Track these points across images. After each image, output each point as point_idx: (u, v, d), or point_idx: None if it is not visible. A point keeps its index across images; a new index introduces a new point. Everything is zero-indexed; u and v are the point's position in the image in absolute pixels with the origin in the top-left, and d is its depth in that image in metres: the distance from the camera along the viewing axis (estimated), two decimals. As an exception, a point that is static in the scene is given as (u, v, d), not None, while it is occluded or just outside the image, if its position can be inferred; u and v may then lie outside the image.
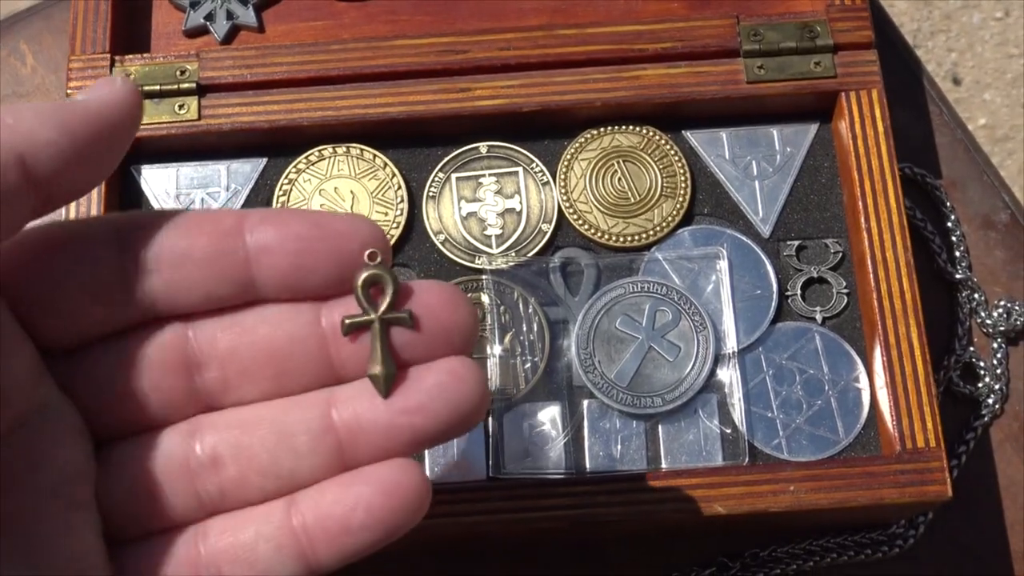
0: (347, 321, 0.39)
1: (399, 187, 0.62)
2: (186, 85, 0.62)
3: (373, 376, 0.39)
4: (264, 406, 0.40)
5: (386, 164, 0.63)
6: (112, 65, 0.62)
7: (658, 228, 0.61)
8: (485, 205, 0.62)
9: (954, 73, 1.73)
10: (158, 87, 0.62)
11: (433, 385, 0.39)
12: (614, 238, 0.61)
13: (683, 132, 0.63)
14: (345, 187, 0.62)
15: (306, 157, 0.63)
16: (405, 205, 0.62)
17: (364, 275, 0.39)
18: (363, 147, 0.63)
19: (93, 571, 0.38)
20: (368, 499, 0.38)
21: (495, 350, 0.59)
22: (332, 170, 0.63)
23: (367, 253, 0.39)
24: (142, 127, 0.61)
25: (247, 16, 0.65)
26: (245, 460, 0.39)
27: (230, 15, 0.65)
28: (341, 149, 0.63)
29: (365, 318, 0.39)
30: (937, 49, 1.74)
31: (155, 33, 0.66)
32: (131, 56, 0.63)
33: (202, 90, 0.62)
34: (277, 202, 0.62)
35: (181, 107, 0.62)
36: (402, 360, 0.39)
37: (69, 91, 0.62)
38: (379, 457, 0.39)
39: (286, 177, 0.63)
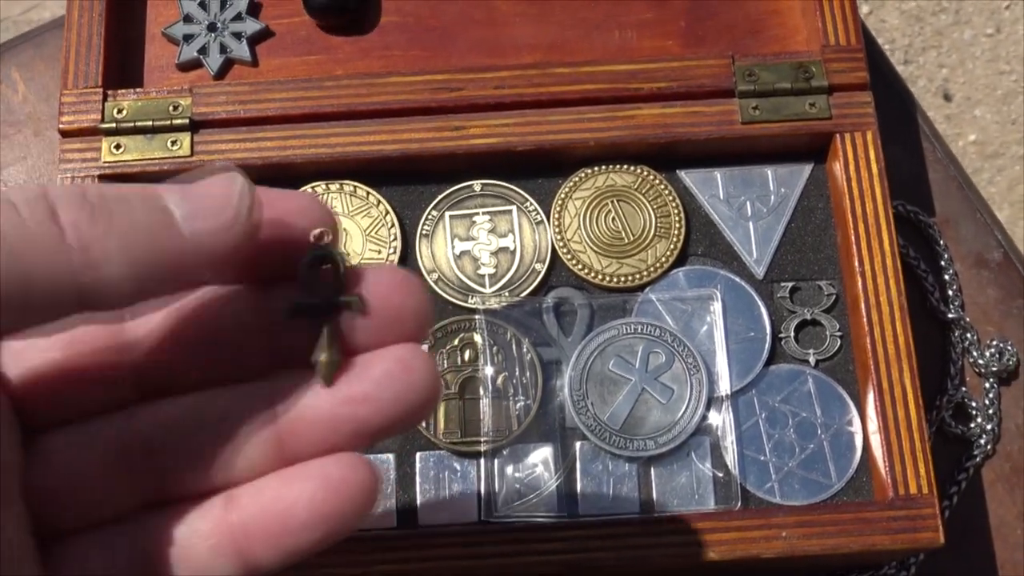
0: (290, 305, 0.36)
1: (392, 224, 0.62)
2: (179, 121, 0.62)
3: (316, 363, 0.36)
4: (202, 395, 0.37)
5: (379, 202, 0.62)
6: (104, 100, 0.62)
7: (652, 268, 0.61)
8: (479, 244, 0.62)
9: (945, 89, 1.73)
10: (151, 123, 0.61)
11: (380, 374, 0.36)
12: (608, 278, 0.61)
13: (677, 172, 0.63)
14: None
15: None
16: (398, 243, 0.62)
17: (310, 256, 0.36)
18: (356, 184, 0.63)
19: (21, 568, 0.35)
20: (310, 495, 0.35)
21: (488, 390, 0.59)
22: None
23: (314, 233, 0.36)
24: (133, 162, 0.61)
25: (241, 50, 0.65)
26: (182, 451, 0.37)
27: (224, 49, 0.65)
28: (334, 186, 0.63)
29: (310, 302, 0.36)
30: (928, 65, 1.74)
31: (148, 66, 0.66)
32: (124, 91, 0.63)
33: (195, 126, 0.62)
34: None
35: (174, 143, 0.62)
36: (349, 347, 0.36)
37: (61, 125, 0.62)
38: (323, 451, 0.36)
39: None
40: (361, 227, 0.62)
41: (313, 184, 0.63)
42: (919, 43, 1.74)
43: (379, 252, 0.62)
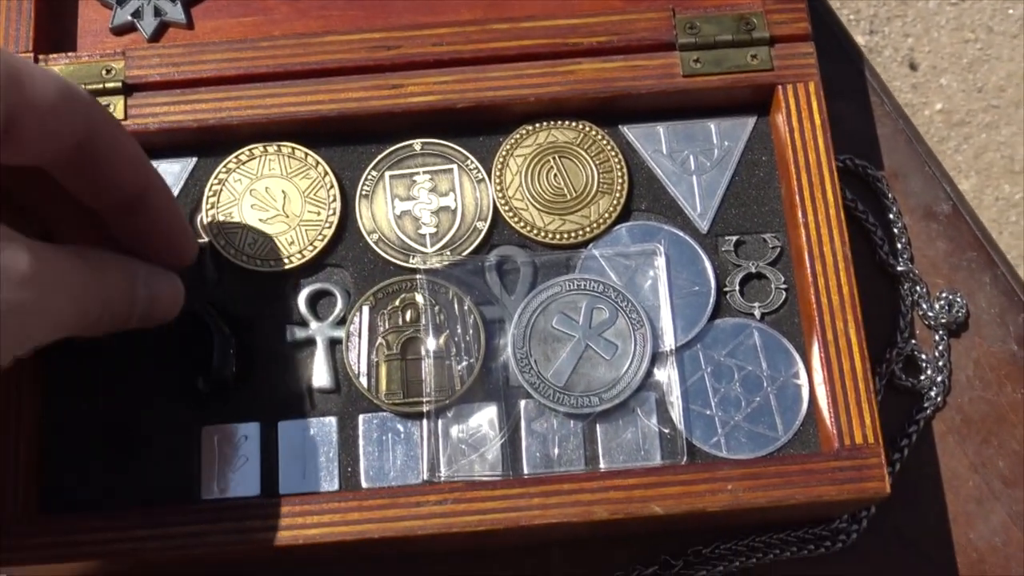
0: None
1: (331, 186, 0.61)
2: (112, 84, 0.61)
3: None
4: None
5: (318, 163, 0.62)
6: (36, 64, 0.61)
7: (595, 225, 0.61)
8: (419, 203, 0.61)
9: (911, 58, 1.73)
10: (83, 87, 0.60)
11: None
12: (550, 235, 0.60)
13: (619, 127, 0.62)
14: (276, 186, 0.61)
15: (236, 156, 0.62)
16: (338, 204, 0.61)
17: None
18: (294, 146, 0.62)
19: None
20: None
21: (430, 351, 0.58)
22: (263, 169, 0.62)
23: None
24: (67, 128, 0.60)
25: (175, 12, 0.64)
26: None
27: (158, 12, 0.64)
28: (272, 148, 0.62)
29: None
30: (894, 35, 1.74)
31: (81, 31, 0.64)
32: (56, 55, 0.62)
33: (128, 89, 0.61)
34: (207, 203, 0.61)
35: (107, 107, 0.60)
36: None
37: (-8, 91, 0.60)
38: None
39: (216, 177, 0.61)
40: (300, 188, 0.61)
41: (250, 147, 0.62)
42: (884, 13, 1.74)
43: (318, 213, 0.61)
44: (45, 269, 0.45)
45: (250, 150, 0.62)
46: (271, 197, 0.61)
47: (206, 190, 0.61)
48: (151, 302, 0.53)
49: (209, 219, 0.61)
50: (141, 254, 0.54)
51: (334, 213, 0.61)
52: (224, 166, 0.61)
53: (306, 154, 0.62)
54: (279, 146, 0.62)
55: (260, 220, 0.61)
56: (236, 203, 0.61)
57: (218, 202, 0.61)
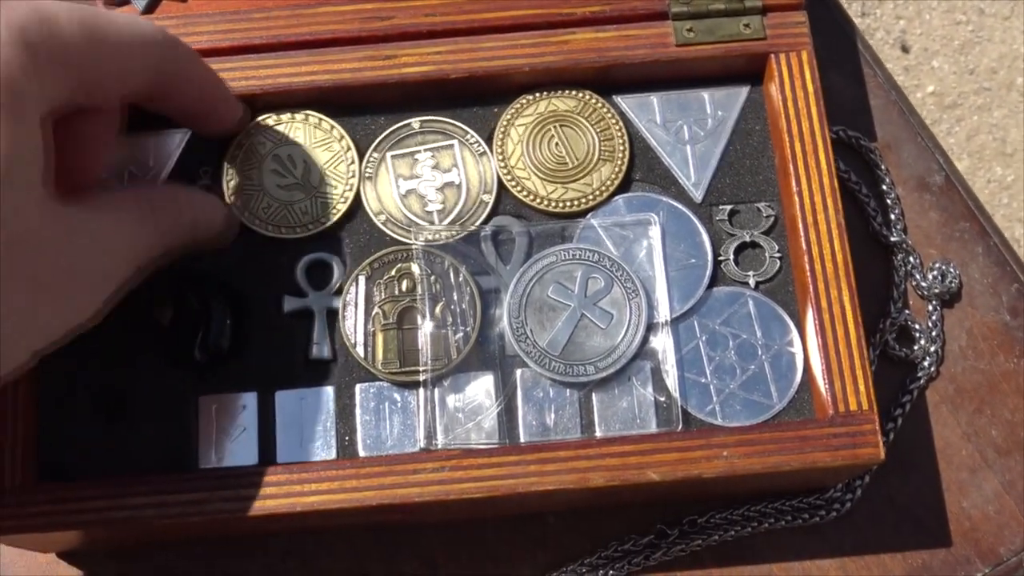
0: None
1: (352, 161, 0.61)
2: (106, 56, 0.61)
3: None
4: None
5: (343, 136, 0.62)
6: (29, 37, 0.61)
7: (597, 192, 0.61)
8: (424, 181, 0.61)
9: (903, 40, 1.73)
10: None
11: None
12: (554, 204, 0.61)
13: (614, 97, 0.62)
14: (299, 155, 0.61)
15: (263, 120, 0.62)
16: (356, 180, 0.61)
17: None
18: (321, 116, 0.62)
19: None
20: None
21: (426, 320, 0.59)
22: (288, 136, 0.62)
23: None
24: (62, 100, 0.60)
25: (169, -15, 0.64)
26: None
27: (152, -16, 0.64)
28: (300, 116, 0.62)
29: None
30: (886, 17, 1.74)
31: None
32: (49, 27, 0.61)
33: (123, 61, 0.61)
34: (228, 162, 0.61)
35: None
36: None
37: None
38: None
39: (240, 138, 0.61)
40: (321, 160, 0.61)
41: (278, 112, 0.62)
42: (876, -5, 1.74)
43: (335, 187, 0.61)
44: (101, 228, 0.50)
45: (277, 115, 0.62)
46: (292, 165, 0.61)
47: (230, 149, 0.61)
48: (197, 226, 0.58)
49: (228, 178, 0.61)
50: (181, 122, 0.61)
51: (351, 189, 0.61)
52: (249, 128, 0.62)
53: (332, 126, 0.62)
54: (306, 115, 0.62)
55: (278, 186, 0.61)
56: (256, 166, 0.61)
57: (238, 162, 0.61)
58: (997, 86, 1.70)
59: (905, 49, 1.73)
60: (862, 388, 0.56)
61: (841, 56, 0.70)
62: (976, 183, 1.66)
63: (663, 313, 0.59)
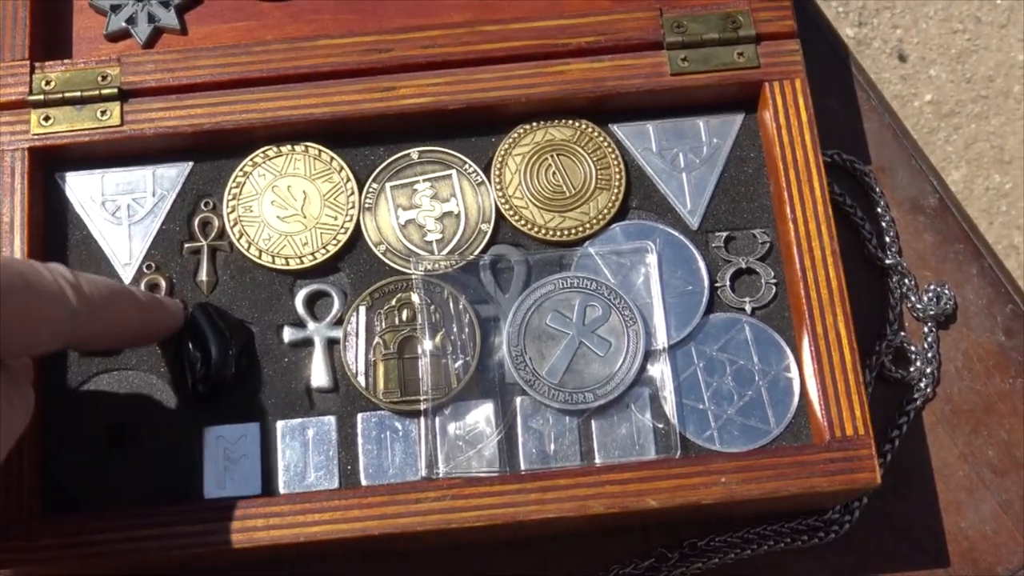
0: None
1: (351, 192, 0.62)
2: (108, 91, 0.61)
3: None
4: None
5: (342, 168, 0.62)
6: (32, 72, 0.62)
7: (594, 221, 0.61)
8: (423, 211, 0.62)
9: (900, 50, 1.74)
10: (79, 93, 0.61)
11: None
12: (551, 232, 0.61)
13: (610, 126, 0.63)
14: (299, 186, 0.62)
15: (263, 152, 0.63)
16: (356, 212, 0.62)
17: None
18: (321, 148, 0.62)
19: None
20: None
21: (426, 349, 0.59)
22: (288, 168, 0.62)
23: None
24: (63, 134, 0.61)
25: (169, 18, 0.65)
26: None
27: (152, 18, 0.65)
28: (300, 148, 0.63)
29: None
30: (883, 26, 1.74)
31: (76, 37, 0.65)
32: (52, 63, 0.62)
33: (124, 95, 0.62)
34: (229, 194, 0.62)
35: (103, 113, 0.61)
36: None
37: (-11, 99, 0.61)
38: None
39: (241, 170, 0.62)
40: (321, 191, 0.62)
41: (277, 144, 0.63)
42: (873, 4, 1.75)
43: (335, 218, 0.62)
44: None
45: (277, 147, 0.62)
46: (292, 196, 0.62)
47: (229, 181, 0.62)
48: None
49: (229, 209, 0.61)
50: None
51: (351, 220, 0.62)
52: (250, 160, 0.62)
53: (331, 158, 0.62)
54: (306, 146, 0.62)
55: (278, 217, 0.61)
56: (257, 198, 0.62)
57: (240, 194, 0.62)
58: (994, 94, 1.70)
59: (902, 58, 1.74)
60: (858, 413, 0.57)
61: (835, 80, 0.70)
62: (974, 191, 1.66)
63: (661, 340, 0.59)
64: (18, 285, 0.46)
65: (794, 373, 0.59)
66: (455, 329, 0.60)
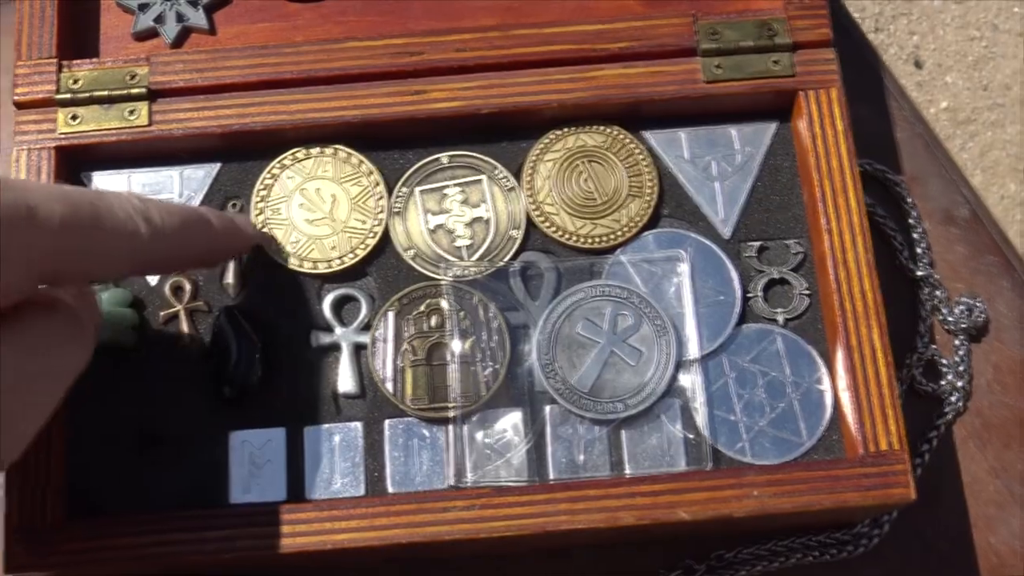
0: None
1: (380, 196, 0.61)
2: (136, 90, 0.61)
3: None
4: None
5: (371, 171, 0.62)
6: (59, 70, 0.61)
7: (626, 228, 0.61)
8: (452, 216, 0.61)
9: (916, 56, 1.73)
10: (107, 93, 0.61)
11: None
12: (582, 240, 0.61)
13: (642, 133, 0.63)
14: (327, 189, 0.62)
15: (292, 154, 0.62)
16: (384, 215, 0.61)
17: None
18: (350, 151, 0.62)
19: None
20: None
21: (455, 356, 0.59)
22: (316, 170, 0.62)
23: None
24: (91, 133, 0.61)
25: (197, 18, 0.64)
26: None
27: (180, 17, 0.64)
28: (329, 150, 0.62)
29: None
30: (899, 33, 1.74)
31: (104, 37, 0.65)
32: (79, 61, 0.62)
33: (152, 95, 0.61)
34: (257, 196, 0.61)
35: (131, 113, 0.61)
36: None
37: (16, 97, 0.61)
38: None
39: (269, 172, 0.62)
40: (350, 195, 0.61)
41: (306, 146, 0.62)
42: (889, 11, 1.74)
43: (364, 222, 0.61)
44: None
45: (306, 149, 0.62)
46: (320, 199, 0.61)
47: (257, 184, 0.62)
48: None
49: (257, 212, 0.61)
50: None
51: (379, 224, 0.61)
52: (278, 162, 0.62)
53: (360, 161, 0.62)
54: (335, 149, 0.62)
55: (306, 220, 0.61)
56: (285, 201, 0.61)
57: (268, 196, 0.61)
58: (1011, 102, 1.70)
59: (918, 65, 1.73)
60: (893, 428, 0.56)
61: (867, 89, 0.70)
62: (989, 199, 1.65)
63: (692, 350, 0.59)
64: (86, 216, 0.44)
65: (827, 386, 0.59)
66: (484, 336, 0.59)
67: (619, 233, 0.61)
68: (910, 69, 1.73)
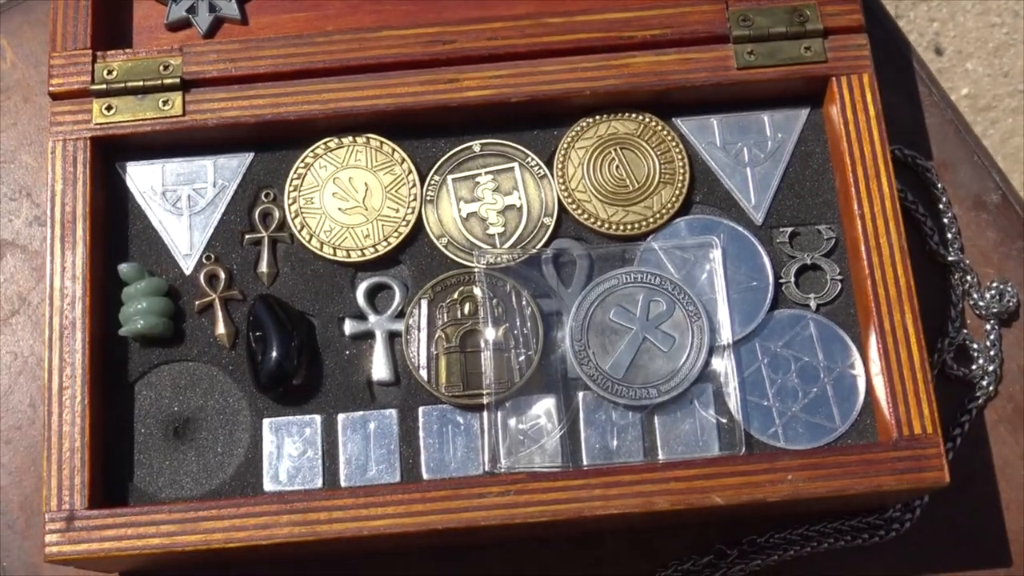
0: None
1: (413, 184, 0.62)
2: (170, 80, 0.61)
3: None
4: None
5: (403, 160, 0.62)
6: (94, 61, 0.61)
7: (658, 215, 0.61)
8: (485, 204, 0.62)
9: (936, 43, 1.72)
10: (141, 83, 0.61)
11: None
12: (614, 227, 0.61)
13: (674, 120, 0.63)
14: (360, 178, 0.62)
15: (324, 143, 0.62)
16: (418, 204, 0.61)
17: None
18: (383, 140, 0.62)
19: None
20: None
21: (488, 343, 0.59)
22: (349, 159, 0.62)
23: None
24: (125, 123, 0.61)
25: (230, 8, 0.64)
26: None
27: (213, 7, 0.64)
28: (361, 139, 0.62)
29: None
30: (919, 19, 1.73)
31: (137, 27, 0.65)
32: (113, 52, 0.62)
33: (186, 85, 0.61)
34: (290, 185, 0.62)
35: (165, 103, 0.61)
36: None
37: (51, 88, 0.61)
38: None
39: (302, 162, 0.62)
40: (383, 183, 0.62)
41: (339, 135, 0.62)
42: (909, -2, 1.73)
43: (397, 210, 0.61)
44: None
45: (339, 138, 0.62)
46: (353, 188, 0.62)
47: (291, 173, 0.62)
48: None
49: (290, 201, 0.61)
50: None
51: (412, 212, 0.61)
52: (311, 151, 0.62)
53: (393, 149, 0.62)
54: (368, 138, 0.62)
55: (340, 209, 0.61)
56: (319, 189, 0.61)
57: (301, 185, 0.62)
58: (1032, 89, 1.69)
59: (939, 51, 1.72)
60: (926, 411, 0.56)
61: (897, 75, 0.70)
62: (1010, 186, 1.65)
63: (725, 336, 0.59)
64: None
65: (859, 370, 0.59)
66: (517, 323, 0.59)
67: (651, 220, 0.61)
68: (930, 56, 1.72)
